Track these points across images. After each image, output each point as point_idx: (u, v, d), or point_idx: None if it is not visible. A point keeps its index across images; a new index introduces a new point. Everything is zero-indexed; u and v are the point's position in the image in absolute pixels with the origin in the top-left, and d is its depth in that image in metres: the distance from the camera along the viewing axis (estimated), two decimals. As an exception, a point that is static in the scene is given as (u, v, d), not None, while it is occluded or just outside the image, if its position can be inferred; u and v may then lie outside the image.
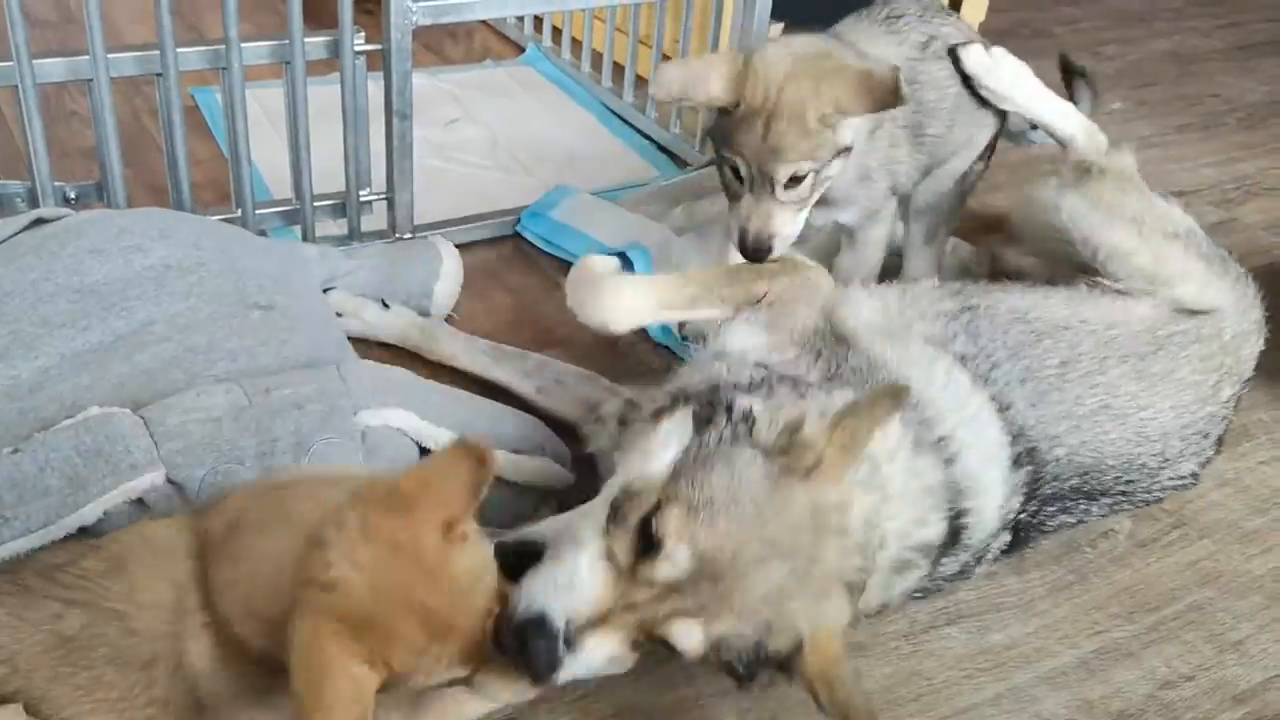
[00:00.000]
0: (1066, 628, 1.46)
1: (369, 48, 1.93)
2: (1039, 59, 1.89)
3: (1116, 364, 1.51)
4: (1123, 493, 1.53)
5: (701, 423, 1.22)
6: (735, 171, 1.59)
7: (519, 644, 1.09)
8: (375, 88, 1.97)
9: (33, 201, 1.84)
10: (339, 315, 1.82)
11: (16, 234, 1.60)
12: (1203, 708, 1.36)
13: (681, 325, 1.89)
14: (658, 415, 1.27)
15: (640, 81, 2.63)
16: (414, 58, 1.97)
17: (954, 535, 1.34)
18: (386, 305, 1.86)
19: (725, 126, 1.57)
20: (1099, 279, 1.63)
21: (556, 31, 2.96)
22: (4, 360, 1.39)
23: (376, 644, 0.97)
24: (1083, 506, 1.51)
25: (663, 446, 1.21)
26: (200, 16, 2.71)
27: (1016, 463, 1.40)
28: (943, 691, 1.35)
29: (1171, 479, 1.56)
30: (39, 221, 1.63)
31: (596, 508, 1.20)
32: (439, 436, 1.41)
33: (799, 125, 1.52)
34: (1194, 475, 1.58)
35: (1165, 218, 1.71)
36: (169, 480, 1.27)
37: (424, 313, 1.90)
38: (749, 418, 1.21)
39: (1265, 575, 1.56)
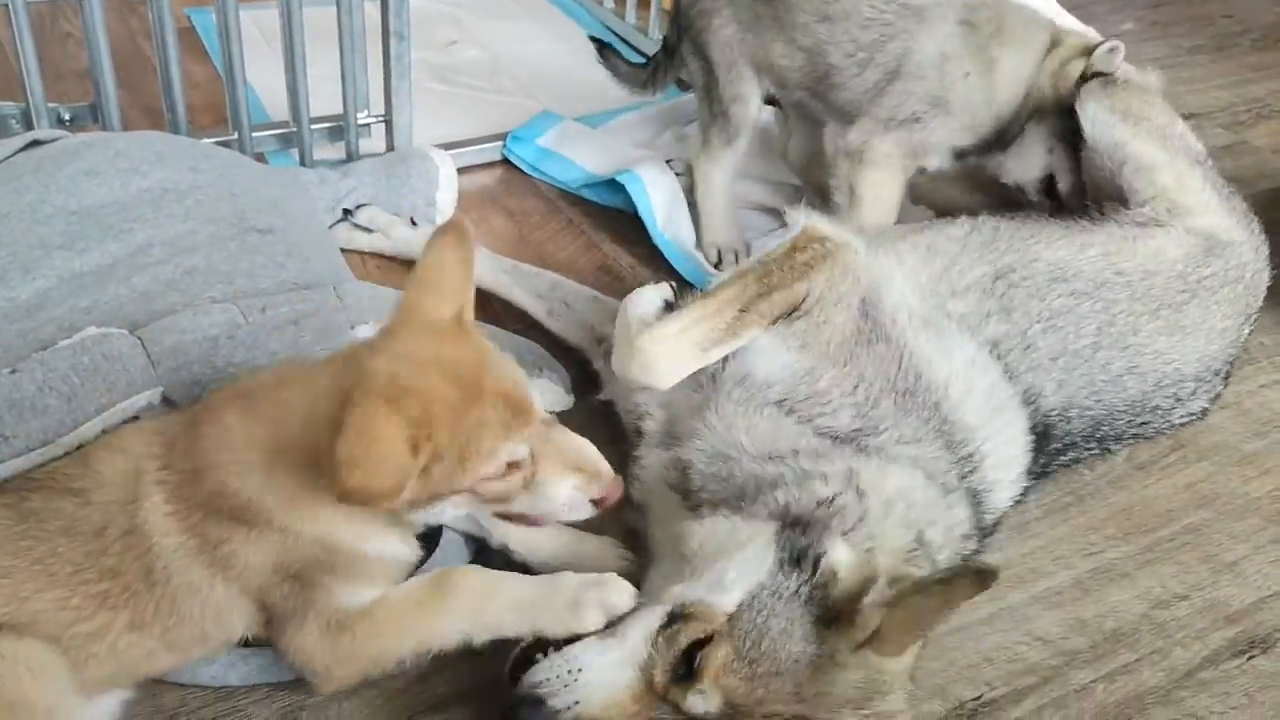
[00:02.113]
0: (1062, 549, 1.46)
1: (366, -34, 1.90)
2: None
3: (1150, 319, 1.51)
4: (1134, 434, 1.54)
5: (783, 562, 1.16)
6: None
7: (513, 709, 1.09)
8: (373, 8, 1.94)
9: (27, 123, 1.83)
10: (370, 231, 1.82)
11: (12, 155, 1.59)
12: (1195, 627, 1.37)
13: (718, 262, 1.88)
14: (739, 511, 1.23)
15: (642, 2, 2.58)
16: (412, -24, 1.94)
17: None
18: (415, 224, 1.86)
19: None
20: (1114, 211, 1.61)
21: (557, -49, 2.91)
22: (2, 282, 1.39)
23: (421, 419, 1.00)
24: (1094, 451, 1.52)
25: (737, 580, 1.15)
26: (194, -65, 2.66)
27: (1035, 450, 1.41)
28: (938, 610, 1.36)
29: (1183, 416, 1.57)
30: (35, 143, 1.62)
31: (653, 613, 1.14)
32: None
33: None
34: (1204, 411, 1.60)
35: (1188, 140, 1.69)
36: (165, 399, 1.27)
37: (430, 223, 1.89)
38: (833, 578, 1.14)
39: (1262, 497, 1.56)
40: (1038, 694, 1.29)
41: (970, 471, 1.34)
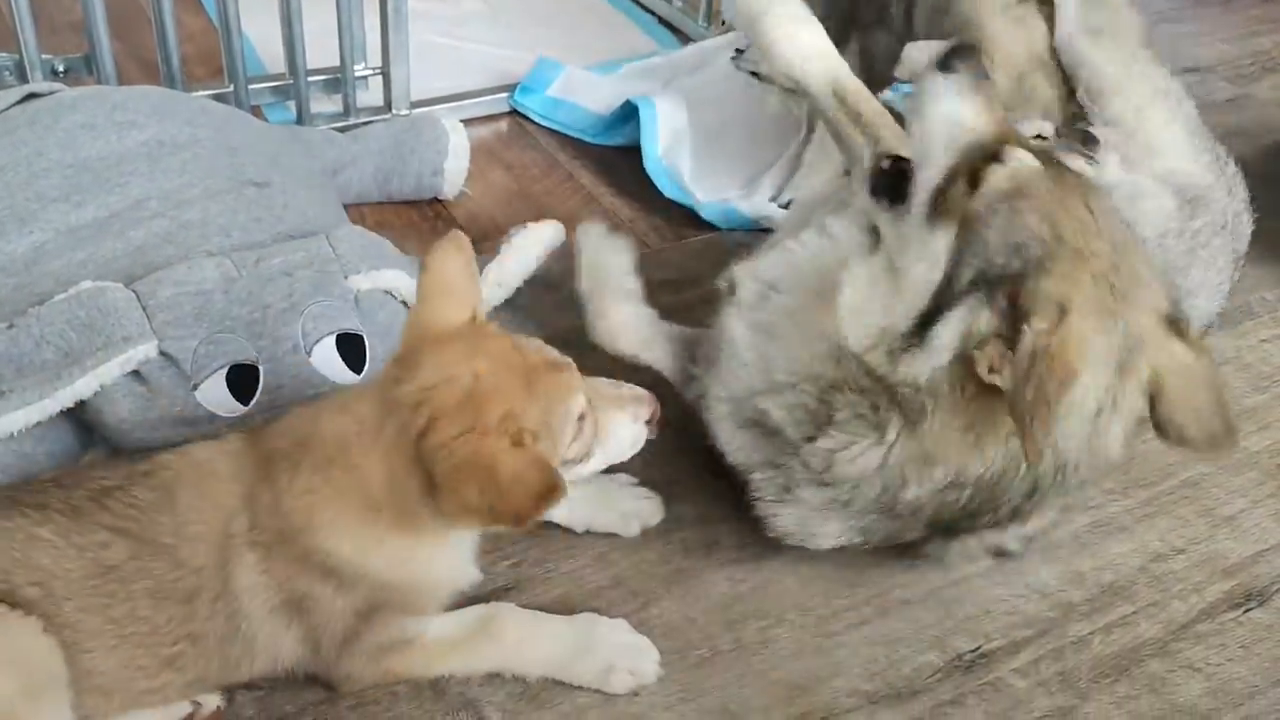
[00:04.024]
0: (1061, 503, 1.47)
1: (362, -86, 1.88)
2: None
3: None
4: None
5: None
6: None
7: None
8: (369, -43, 1.92)
9: (20, 75, 1.81)
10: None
11: (8, 109, 1.57)
12: (1192, 580, 1.38)
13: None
14: None
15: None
16: (410, -74, 1.92)
17: None
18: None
19: None
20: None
21: (556, -100, 2.86)
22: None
23: (506, 416, 1.01)
24: None
25: None
26: (188, -116, 2.62)
27: None
28: (934, 563, 1.36)
29: None
30: (32, 96, 1.60)
31: None
32: None
33: None
34: None
35: (1155, 69, 1.67)
36: (162, 353, 1.27)
37: (436, 192, 1.88)
38: None
39: (1261, 452, 1.56)
40: (1035, 646, 1.29)
41: None
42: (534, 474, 0.99)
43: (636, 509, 1.37)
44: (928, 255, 1.10)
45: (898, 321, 1.12)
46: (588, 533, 1.35)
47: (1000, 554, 1.30)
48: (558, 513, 1.33)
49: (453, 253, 1.10)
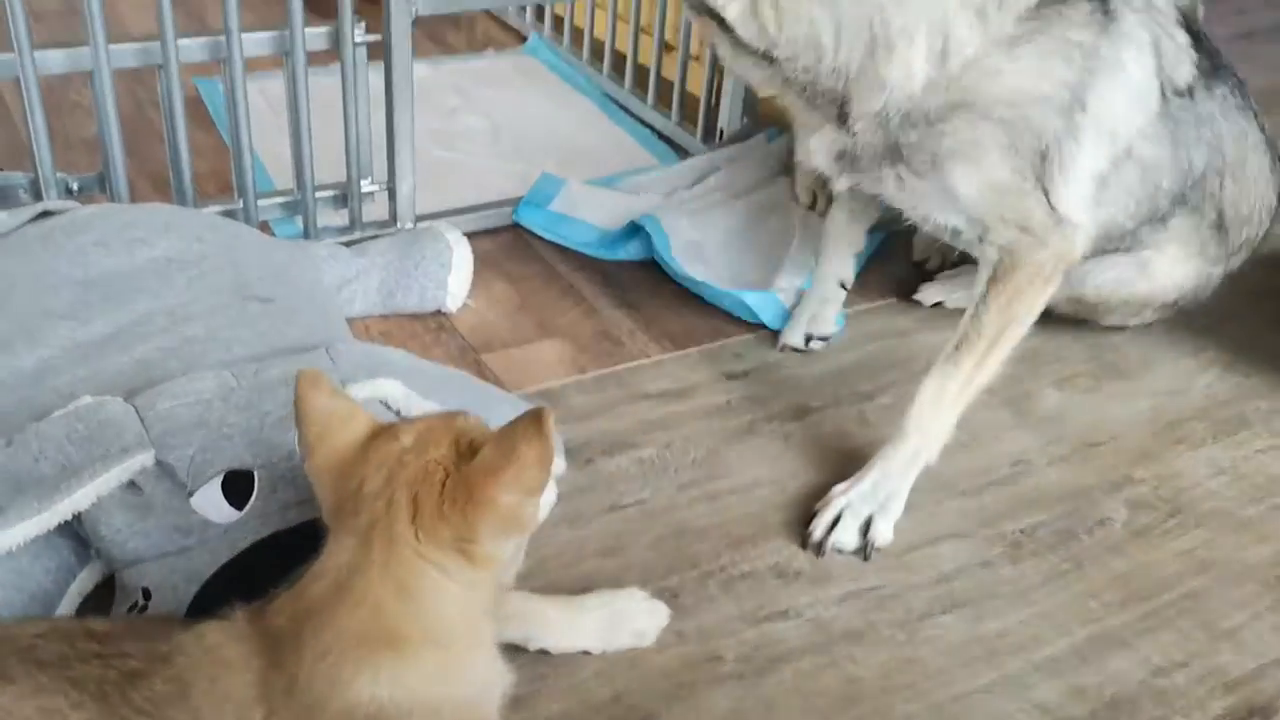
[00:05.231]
0: (1061, 615, 1.46)
1: (370, 38, 1.94)
2: None
3: None
4: None
5: None
6: None
7: None
8: (377, 76, 1.98)
9: (36, 193, 1.85)
10: None
11: (22, 225, 1.61)
12: (1195, 694, 1.37)
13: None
14: None
15: (641, 70, 2.63)
16: (415, 46, 1.98)
17: None
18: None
19: None
20: None
21: (558, 20, 2.96)
22: (8, 351, 1.41)
23: (452, 449, 1.03)
24: None
25: None
26: (203, 4, 2.72)
27: None
28: (937, 678, 1.36)
29: None
30: (46, 214, 1.64)
31: None
32: (425, 407, 1.42)
33: None
34: None
35: None
36: (158, 462, 1.28)
37: (439, 305, 1.92)
38: None
39: (1260, 564, 1.56)
40: (1038, 764, 1.28)
41: None
42: (515, 433, 0.99)
43: (651, 622, 1.38)
44: None
45: None
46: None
47: None
48: (580, 639, 1.33)
49: (311, 390, 1.10)
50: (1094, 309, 1.90)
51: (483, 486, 1.00)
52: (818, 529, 1.54)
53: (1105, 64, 1.51)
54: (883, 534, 1.54)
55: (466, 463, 1.02)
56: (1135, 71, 1.55)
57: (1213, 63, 1.71)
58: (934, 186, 1.53)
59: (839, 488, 1.58)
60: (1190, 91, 1.66)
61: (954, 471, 1.64)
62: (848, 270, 1.96)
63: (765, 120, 2.45)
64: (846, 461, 1.65)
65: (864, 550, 1.53)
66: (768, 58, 1.46)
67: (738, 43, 1.46)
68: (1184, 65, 1.65)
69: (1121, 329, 1.97)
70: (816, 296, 1.94)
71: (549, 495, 1.11)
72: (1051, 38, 1.47)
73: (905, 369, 1.87)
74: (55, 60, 1.78)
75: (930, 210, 1.59)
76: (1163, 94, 1.61)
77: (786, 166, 2.33)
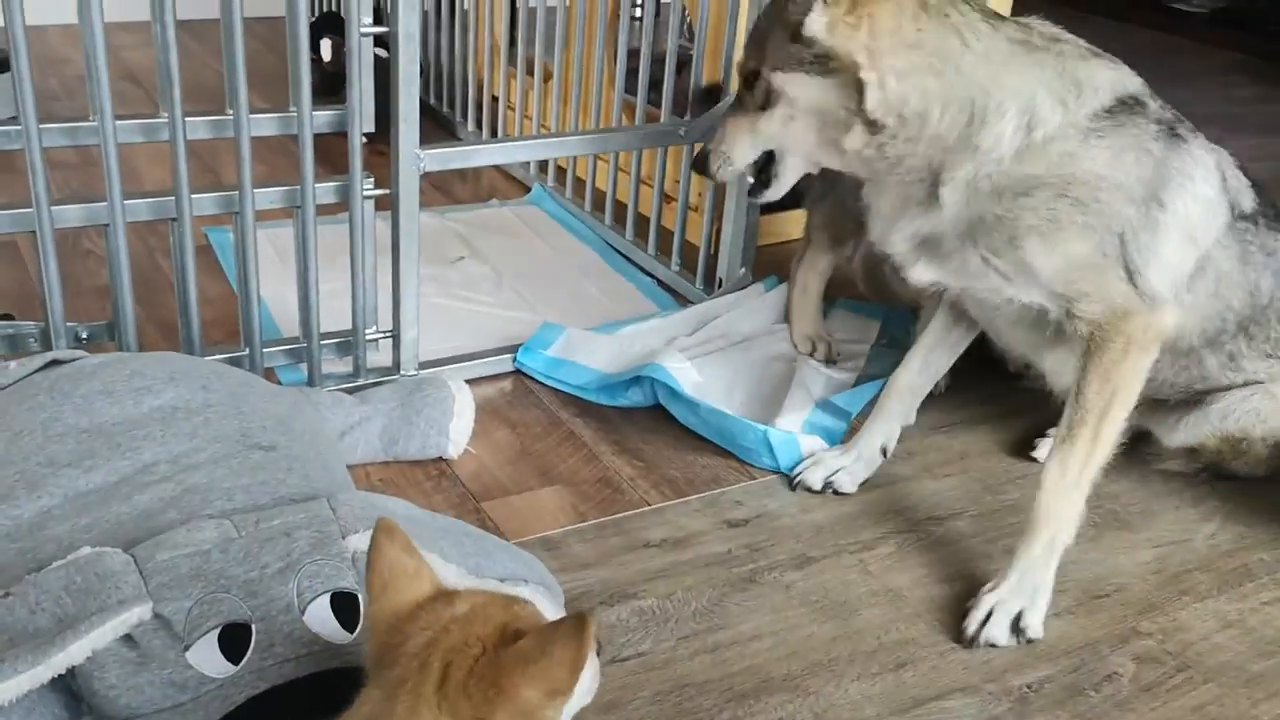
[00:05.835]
0: (1071, 775, 1.43)
1: (378, 192, 1.99)
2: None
3: None
4: None
5: None
6: None
7: None
8: (384, 224, 2.03)
9: (45, 341, 1.88)
10: None
11: (30, 374, 1.63)
12: None
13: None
14: None
15: (641, 219, 2.69)
16: (422, 197, 2.03)
17: None
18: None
19: None
20: None
21: (561, 171, 3.05)
22: (9, 500, 1.41)
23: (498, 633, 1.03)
24: None
25: None
26: (217, 158, 2.80)
27: None
28: (945, 843, 1.32)
29: None
30: (54, 362, 1.66)
31: None
32: (428, 560, 1.41)
33: None
34: None
35: None
36: (155, 615, 1.27)
37: (441, 451, 1.93)
38: None
39: (1272, 720, 1.53)
40: None
41: None
42: (554, 631, 0.98)
43: None
44: None
45: None
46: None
47: None
48: None
49: (385, 540, 1.11)
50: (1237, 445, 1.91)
51: (509, 673, 1.00)
52: (971, 625, 1.60)
53: (1176, 173, 1.60)
54: (1034, 626, 1.61)
55: (505, 647, 1.01)
56: (1204, 187, 1.64)
57: (1276, 211, 1.80)
58: (1014, 265, 1.61)
59: (987, 586, 1.64)
60: (1255, 219, 1.74)
61: (961, 624, 1.62)
62: (894, 435, 1.97)
63: (763, 269, 2.51)
64: (848, 613, 1.64)
65: (1017, 641, 1.60)
66: (876, 126, 1.59)
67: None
68: (1246, 195, 1.74)
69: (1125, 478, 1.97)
70: (854, 452, 1.94)
71: (574, 704, 1.11)
72: (1125, 137, 1.57)
73: (906, 518, 1.86)
74: (72, 214, 1.83)
75: (1014, 291, 1.65)
76: (1231, 212, 1.69)
77: (785, 314, 2.37)
